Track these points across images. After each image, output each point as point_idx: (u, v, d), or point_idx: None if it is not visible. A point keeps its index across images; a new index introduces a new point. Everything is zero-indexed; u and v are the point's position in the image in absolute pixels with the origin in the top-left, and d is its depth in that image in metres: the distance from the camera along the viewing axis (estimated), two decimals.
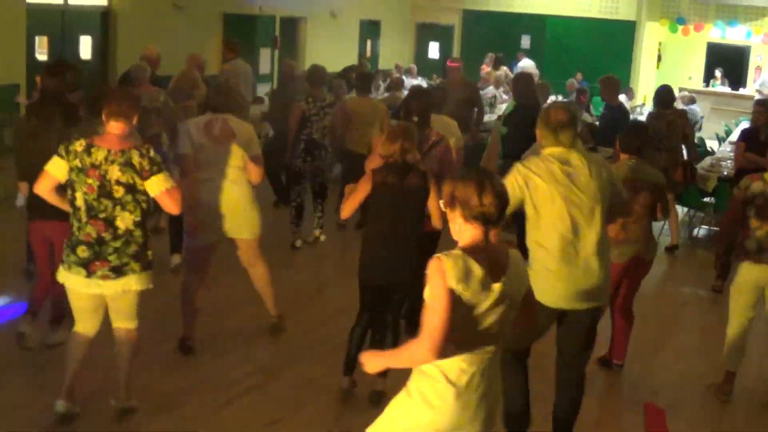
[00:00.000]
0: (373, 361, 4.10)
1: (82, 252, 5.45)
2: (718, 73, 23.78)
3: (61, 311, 6.86)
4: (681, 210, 12.16)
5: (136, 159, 5.39)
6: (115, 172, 5.36)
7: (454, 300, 3.70)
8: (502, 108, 14.00)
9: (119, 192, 5.39)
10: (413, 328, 7.23)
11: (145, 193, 5.46)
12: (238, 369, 6.90)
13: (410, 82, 17.83)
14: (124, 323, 5.77)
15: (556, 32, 24.40)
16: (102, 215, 5.41)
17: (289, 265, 9.60)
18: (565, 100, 17.59)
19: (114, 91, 5.88)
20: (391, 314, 6.44)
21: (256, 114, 13.04)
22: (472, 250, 3.81)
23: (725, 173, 11.81)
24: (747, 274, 6.82)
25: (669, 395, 7.12)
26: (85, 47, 15.29)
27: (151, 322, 7.10)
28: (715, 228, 12.24)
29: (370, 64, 20.33)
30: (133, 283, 5.57)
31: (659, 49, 25.32)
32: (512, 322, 3.98)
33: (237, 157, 6.96)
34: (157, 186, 5.44)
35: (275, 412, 6.29)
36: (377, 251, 6.28)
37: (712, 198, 12.00)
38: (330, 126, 10.05)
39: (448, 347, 3.75)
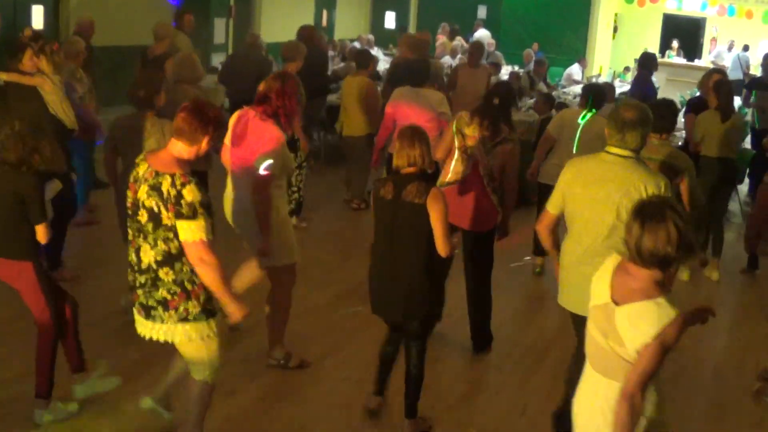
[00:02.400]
0: None
1: (129, 274, 4.86)
2: (674, 44, 23.88)
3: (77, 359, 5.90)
4: None
5: (165, 185, 4.52)
6: (143, 193, 4.61)
7: None
8: None
9: (143, 217, 4.63)
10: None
11: (172, 230, 4.58)
12: None
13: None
14: (191, 371, 5.11)
15: (513, 3, 24.35)
16: (130, 237, 4.80)
17: None
18: (521, 70, 17.63)
19: (188, 104, 4.76)
20: (406, 339, 5.73)
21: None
22: None
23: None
24: None
25: None
26: (38, 17, 15.03)
27: (109, 292, 7.07)
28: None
29: (326, 34, 20.21)
30: (162, 333, 4.82)
31: (615, 20, 25.38)
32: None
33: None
34: (188, 232, 4.52)
35: (231, 383, 6.24)
36: (373, 281, 5.64)
37: None
38: None
39: None
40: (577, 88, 17.70)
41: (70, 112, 8.19)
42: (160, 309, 4.72)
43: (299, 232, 9.69)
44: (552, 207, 5.30)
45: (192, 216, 4.50)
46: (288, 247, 6.34)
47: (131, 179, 4.76)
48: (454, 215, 6.16)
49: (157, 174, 4.57)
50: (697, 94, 11.53)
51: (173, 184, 4.51)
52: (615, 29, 25.50)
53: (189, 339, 4.82)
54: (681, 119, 14.80)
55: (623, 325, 3.58)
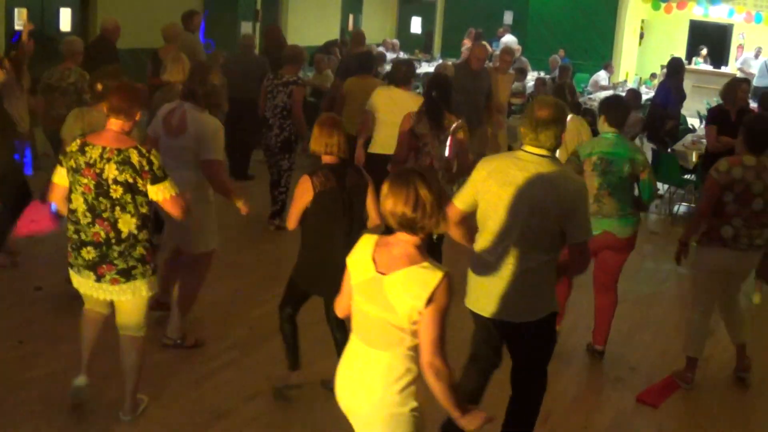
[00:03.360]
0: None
1: (88, 254, 5.21)
2: (704, 50, 23.76)
3: None
4: (662, 187, 12.12)
5: (135, 158, 5.07)
6: (111, 171, 5.06)
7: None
8: None
9: (117, 192, 5.09)
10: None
11: (145, 195, 5.17)
12: (216, 344, 6.87)
13: (391, 56, 17.76)
14: (131, 331, 5.53)
15: (539, 8, 24.32)
16: (105, 215, 5.13)
17: (267, 240, 9.56)
18: (547, 76, 17.60)
19: (117, 84, 5.39)
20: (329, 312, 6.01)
21: None
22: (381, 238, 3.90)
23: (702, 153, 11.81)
24: (721, 261, 6.66)
25: (647, 371, 7.14)
26: (65, 19, 15.15)
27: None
28: (695, 205, 12.25)
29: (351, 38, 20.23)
30: (143, 287, 5.34)
31: (642, 27, 25.30)
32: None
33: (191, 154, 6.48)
34: (162, 192, 5.16)
35: (253, 386, 6.27)
36: (315, 259, 5.84)
37: (693, 175, 12.01)
38: (286, 103, 9.65)
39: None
40: (604, 94, 17.68)
41: (20, 114, 8.53)
42: (140, 265, 5.27)
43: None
44: (459, 202, 5.04)
45: (163, 177, 5.17)
46: (210, 235, 6.74)
47: (82, 165, 5.10)
48: None
49: (120, 151, 5.08)
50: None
51: (141, 155, 5.09)
52: (642, 35, 25.42)
53: (152, 290, 5.41)
54: (703, 128, 14.81)
55: (393, 293, 3.68)
